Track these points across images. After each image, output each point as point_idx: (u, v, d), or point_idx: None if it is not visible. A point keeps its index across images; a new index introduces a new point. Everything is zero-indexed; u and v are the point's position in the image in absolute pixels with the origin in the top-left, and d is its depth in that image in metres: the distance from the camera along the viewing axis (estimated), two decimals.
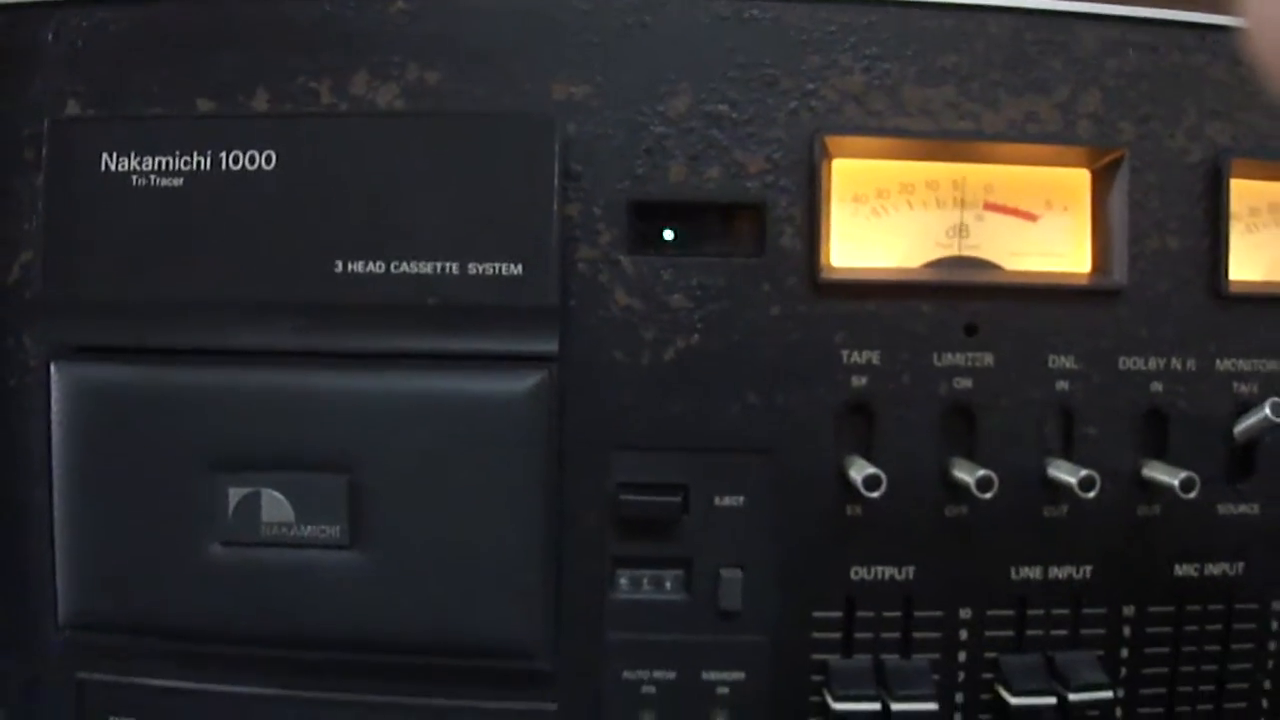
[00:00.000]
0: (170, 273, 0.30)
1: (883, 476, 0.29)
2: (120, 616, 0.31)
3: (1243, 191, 0.35)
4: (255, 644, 0.30)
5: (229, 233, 0.30)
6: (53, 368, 0.30)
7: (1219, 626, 0.34)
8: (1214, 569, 0.33)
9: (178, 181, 0.30)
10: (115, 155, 0.29)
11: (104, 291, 0.30)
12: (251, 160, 0.30)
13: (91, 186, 0.30)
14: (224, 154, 0.30)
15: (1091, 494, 0.30)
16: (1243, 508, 0.34)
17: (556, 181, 0.29)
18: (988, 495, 0.30)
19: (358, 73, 0.31)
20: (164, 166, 0.30)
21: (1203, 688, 0.34)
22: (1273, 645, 0.34)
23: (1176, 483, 0.31)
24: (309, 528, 0.30)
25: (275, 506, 0.30)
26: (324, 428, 0.30)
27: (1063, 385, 0.32)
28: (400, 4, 0.31)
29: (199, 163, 0.30)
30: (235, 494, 0.30)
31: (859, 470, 0.30)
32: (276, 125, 0.30)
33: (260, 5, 0.31)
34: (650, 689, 0.31)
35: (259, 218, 0.30)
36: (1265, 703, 0.35)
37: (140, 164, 0.30)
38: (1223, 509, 0.33)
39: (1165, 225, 0.33)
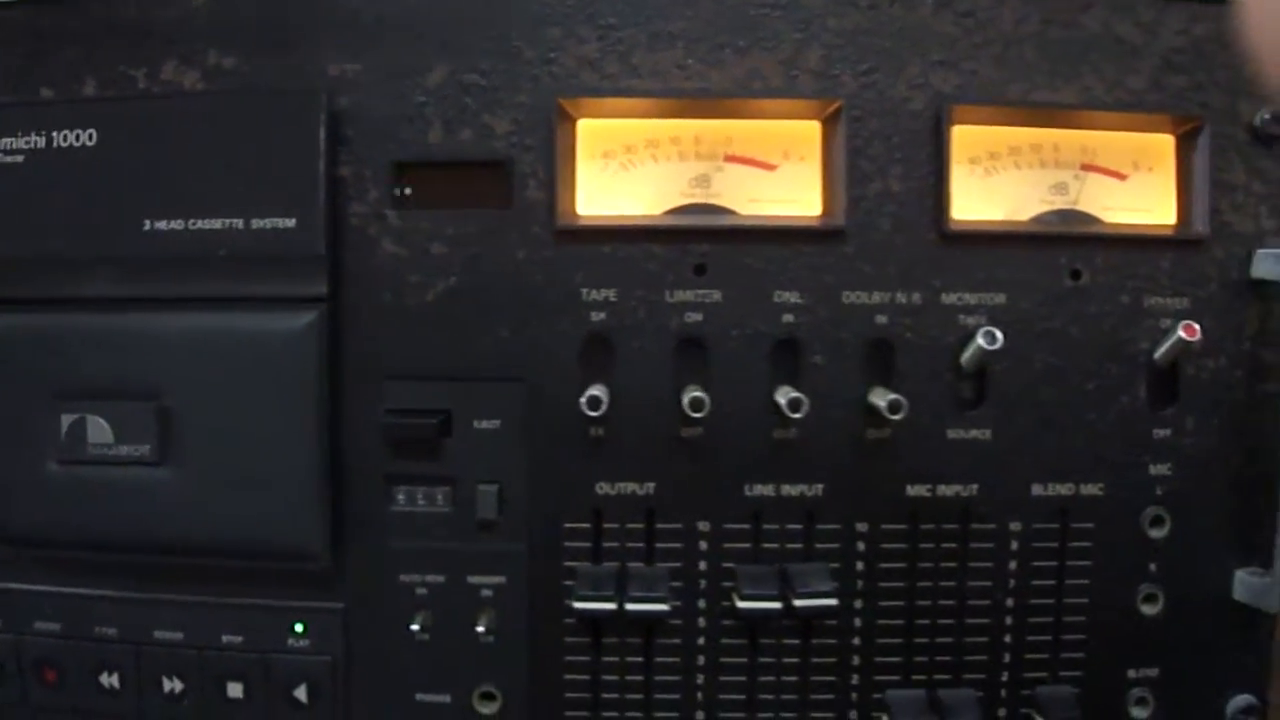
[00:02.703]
0: (13, 235, 0.38)
1: (603, 398, 0.36)
2: None
3: (981, 137, 0.40)
4: (87, 549, 0.38)
5: (60, 200, 0.38)
6: None
7: (955, 545, 0.39)
8: (947, 490, 0.39)
9: (20, 159, 0.38)
10: None
11: None
12: (78, 138, 0.38)
13: None
14: (55, 134, 0.38)
15: (798, 415, 0.36)
16: (973, 433, 0.39)
17: (322, 147, 0.36)
18: (698, 415, 0.36)
19: (168, 61, 0.38)
20: (9, 146, 0.38)
21: (943, 602, 0.39)
22: (1012, 564, 0.39)
23: (884, 404, 0.36)
24: (125, 448, 0.38)
25: (98, 430, 0.38)
26: (137, 362, 0.37)
27: (789, 318, 0.37)
28: (200, 0, 0.39)
29: (36, 142, 0.38)
30: (66, 419, 0.38)
31: (591, 397, 0.36)
32: (97, 108, 0.38)
33: (91, 7, 0.39)
34: (423, 590, 0.38)
35: (83, 186, 0.38)
36: (1009, 619, 0.40)
37: None
38: (952, 434, 0.38)
39: (888, 170, 0.38)
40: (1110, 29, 0.39)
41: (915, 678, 0.39)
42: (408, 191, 0.37)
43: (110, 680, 0.40)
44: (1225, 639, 0.40)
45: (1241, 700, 0.41)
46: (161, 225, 0.37)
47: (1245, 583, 0.40)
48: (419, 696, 0.39)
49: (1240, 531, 0.40)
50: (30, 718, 0.41)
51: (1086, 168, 0.40)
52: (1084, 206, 0.40)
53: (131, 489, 0.38)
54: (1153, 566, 0.40)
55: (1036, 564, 0.39)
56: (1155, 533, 0.39)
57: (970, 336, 0.37)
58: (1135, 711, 0.40)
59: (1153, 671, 0.40)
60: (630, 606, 0.37)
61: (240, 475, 0.37)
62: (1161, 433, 0.39)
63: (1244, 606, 0.40)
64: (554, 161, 0.37)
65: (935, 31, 0.38)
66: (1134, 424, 0.39)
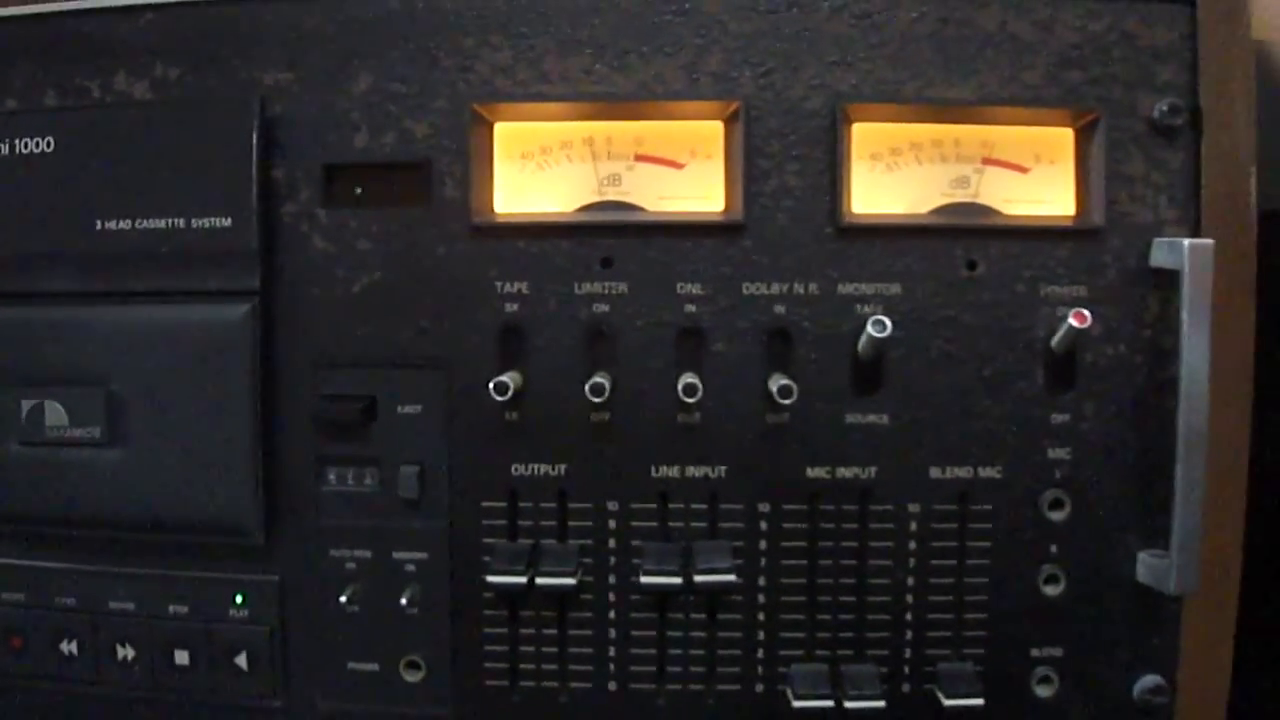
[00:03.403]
0: None
1: (510, 383, 0.39)
2: None
3: (883, 134, 0.42)
4: (46, 525, 0.42)
5: (20, 202, 0.42)
6: None
7: (855, 525, 0.41)
8: (846, 472, 0.41)
9: None
10: None
11: None
12: (37, 145, 0.42)
13: None
14: (16, 141, 0.43)
15: (693, 399, 0.39)
16: (871, 417, 0.41)
17: (255, 151, 0.40)
18: (599, 400, 0.38)
19: (118, 73, 0.43)
20: None
21: (844, 581, 0.42)
22: (912, 545, 0.42)
23: (775, 389, 0.39)
24: (79, 430, 0.42)
25: (55, 413, 0.42)
26: (88, 350, 0.41)
27: (691, 309, 0.40)
28: (148, 15, 0.43)
29: (1, 149, 0.43)
30: (26, 404, 0.42)
31: (500, 384, 0.39)
32: (54, 118, 0.42)
33: (49, 24, 0.43)
34: (352, 565, 0.42)
35: (41, 189, 0.42)
36: (910, 598, 0.42)
37: None
38: (850, 418, 0.41)
39: (785, 166, 0.40)
40: (1006, 27, 0.41)
41: (819, 653, 0.41)
42: (335, 191, 0.41)
43: (70, 647, 0.44)
44: (1131, 620, 0.42)
45: (1149, 681, 0.43)
46: (112, 225, 0.41)
47: (1147, 564, 0.42)
48: (350, 665, 0.42)
49: (1142, 514, 0.41)
50: None
51: (987, 161, 0.42)
52: (984, 199, 0.42)
53: (85, 468, 0.42)
54: (1054, 548, 0.42)
55: (936, 545, 0.41)
56: (1055, 515, 0.42)
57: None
58: (1040, 690, 0.43)
59: (1057, 651, 0.42)
60: (541, 580, 0.40)
61: (182, 456, 0.41)
62: (1060, 418, 0.41)
63: (1149, 588, 0.42)
64: (469, 162, 0.40)
65: (832, 33, 0.40)
66: (1031, 409, 0.41)
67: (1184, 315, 0.39)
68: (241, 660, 0.43)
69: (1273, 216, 0.54)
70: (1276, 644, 0.48)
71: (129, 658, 0.44)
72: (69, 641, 0.44)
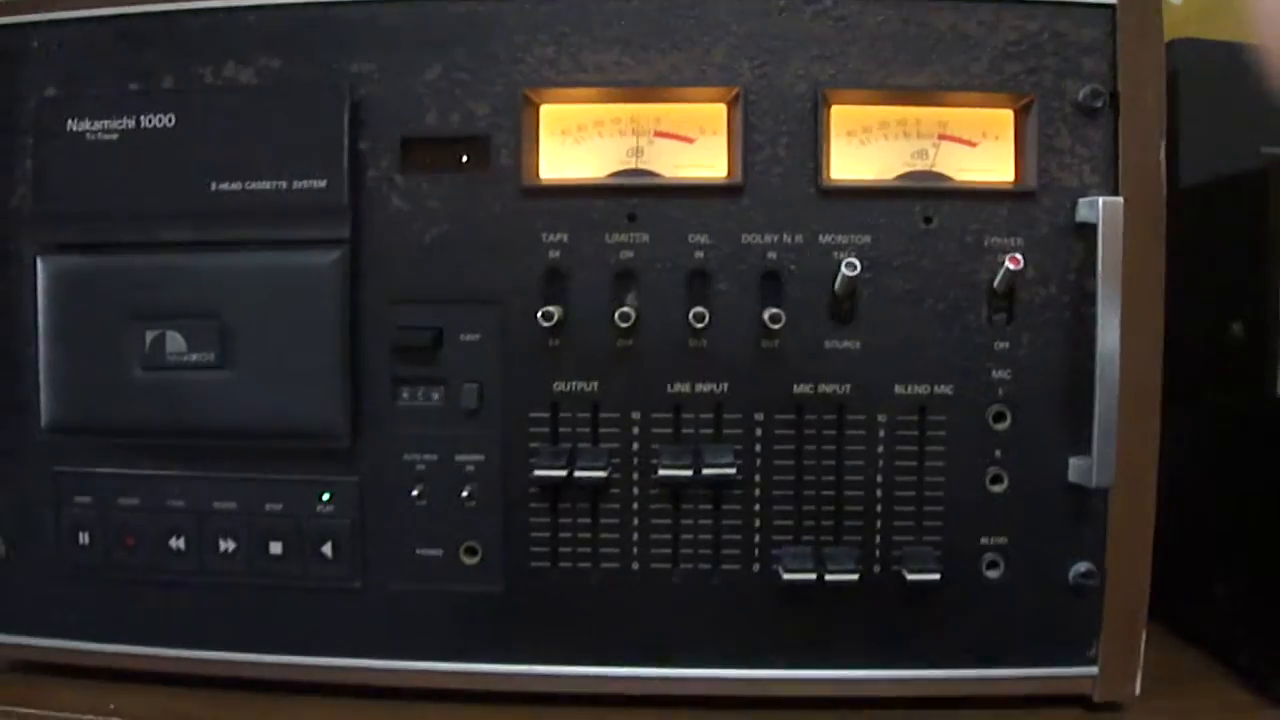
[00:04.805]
0: (110, 195, 0.53)
1: (555, 313, 0.50)
2: (80, 421, 0.54)
3: (856, 114, 0.53)
4: (164, 436, 0.53)
5: (146, 168, 0.53)
6: (39, 260, 0.54)
7: (833, 433, 0.53)
8: (826, 389, 0.52)
9: (115, 136, 0.54)
10: (76, 121, 0.53)
11: (69, 208, 0.53)
12: (159, 121, 0.53)
13: (62, 142, 0.54)
14: (143, 117, 0.54)
15: (702, 326, 0.50)
16: (846, 344, 0.52)
17: (346, 127, 0.51)
18: (625, 326, 0.50)
19: (227, 63, 0.54)
20: (107, 127, 0.54)
21: (825, 479, 0.53)
22: (880, 449, 0.53)
23: (768, 317, 0.50)
24: (196, 355, 0.52)
25: (175, 342, 0.52)
26: (206, 290, 0.52)
27: (699, 255, 0.52)
28: (251, 17, 0.54)
29: (127, 124, 0.54)
30: (150, 334, 0.52)
31: (546, 312, 0.51)
32: (174, 97, 0.53)
33: (168, 20, 0.54)
34: (422, 466, 0.53)
35: (164, 157, 0.53)
36: (879, 493, 0.53)
37: (91, 126, 0.53)
38: (829, 344, 0.52)
39: (777, 140, 0.52)
40: (957, 27, 0.52)
41: (804, 538, 0.52)
42: (411, 160, 0.52)
43: (178, 543, 0.55)
44: (1064, 515, 0.53)
45: (1081, 566, 0.53)
46: (224, 186, 0.52)
47: (1075, 466, 0.52)
48: (418, 551, 0.53)
49: (1070, 425, 0.52)
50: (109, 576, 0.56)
51: (942, 137, 0.53)
52: (940, 168, 0.53)
53: (200, 388, 0.52)
54: (998, 453, 0.52)
55: (901, 449, 0.52)
56: (999, 426, 0.52)
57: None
58: (989, 573, 0.53)
59: (1002, 540, 0.53)
60: (578, 473, 0.51)
61: (283, 376, 0.52)
62: (1001, 345, 0.52)
63: (1077, 487, 0.53)
64: (520, 137, 0.52)
65: (814, 32, 0.52)
66: (978, 338, 0.52)
67: (1100, 260, 0.51)
68: (327, 549, 0.54)
69: (1192, 190, 0.66)
70: (1191, 536, 0.59)
71: (229, 550, 0.54)
72: (177, 538, 0.55)
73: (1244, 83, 0.54)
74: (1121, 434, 0.50)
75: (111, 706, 0.54)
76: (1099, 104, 0.52)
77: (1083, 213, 0.52)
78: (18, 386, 0.55)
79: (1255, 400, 0.54)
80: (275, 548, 0.54)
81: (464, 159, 0.52)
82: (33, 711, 0.54)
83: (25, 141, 0.54)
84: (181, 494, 0.54)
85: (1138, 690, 0.53)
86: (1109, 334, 0.50)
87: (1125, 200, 0.50)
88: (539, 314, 0.50)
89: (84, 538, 0.55)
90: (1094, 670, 0.53)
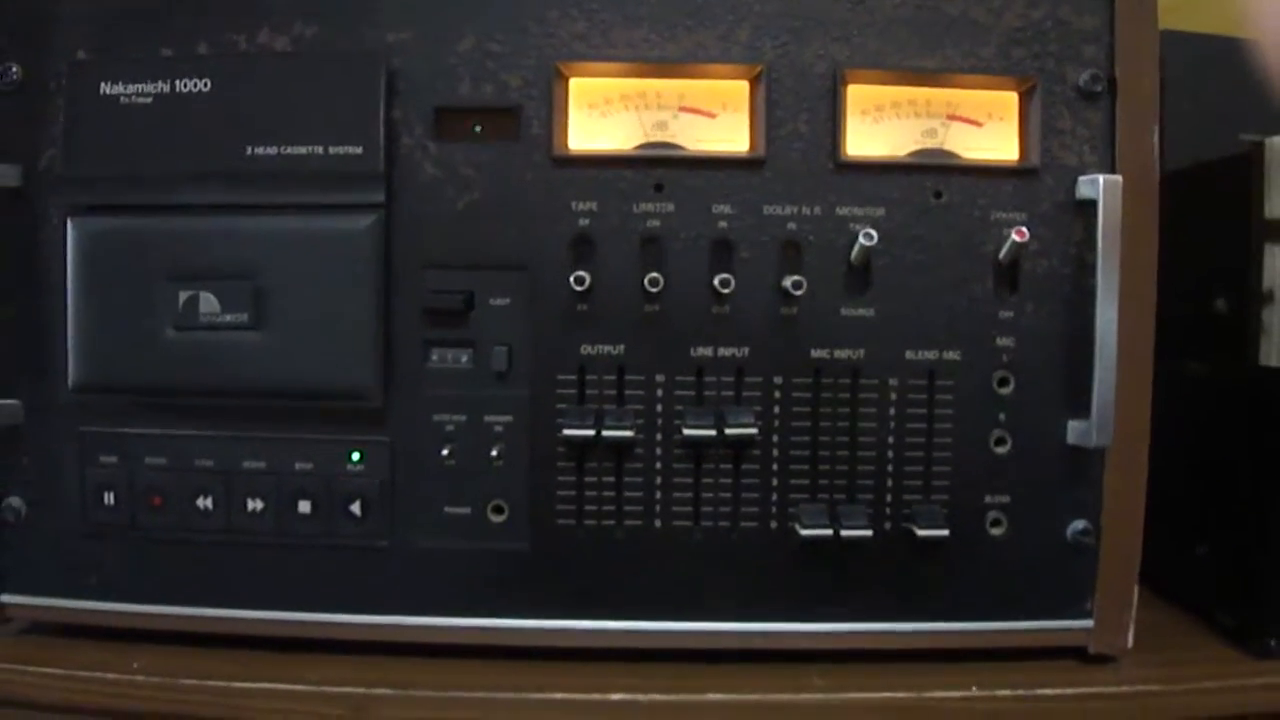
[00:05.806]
0: (143, 158, 0.55)
1: (587, 277, 0.53)
2: (109, 382, 0.56)
3: (871, 94, 0.58)
4: (196, 395, 0.55)
5: (180, 132, 0.55)
6: (69, 221, 0.56)
7: (848, 396, 0.57)
8: (841, 354, 0.56)
9: (148, 100, 0.56)
10: (109, 84, 0.55)
11: (101, 171, 0.55)
12: (194, 86, 0.56)
13: (94, 105, 0.56)
14: (178, 81, 0.56)
15: (725, 292, 0.54)
16: (861, 311, 0.56)
17: (382, 95, 0.54)
18: (655, 291, 0.53)
19: (262, 29, 0.56)
20: (140, 91, 0.56)
21: (840, 439, 0.57)
22: (892, 411, 0.57)
23: (789, 284, 0.54)
24: (229, 315, 0.55)
25: (208, 302, 0.55)
26: (240, 252, 0.54)
27: (723, 224, 0.55)
28: None
29: (161, 88, 0.56)
30: (183, 295, 0.55)
31: (577, 277, 0.54)
32: (210, 63, 0.55)
33: None
34: (451, 427, 0.56)
35: (199, 121, 0.55)
36: (890, 453, 0.57)
37: (125, 89, 0.55)
38: (845, 311, 0.56)
39: (798, 117, 0.56)
40: (967, 13, 0.57)
41: (820, 496, 0.56)
42: (444, 128, 0.55)
43: (206, 503, 0.57)
44: (1063, 476, 0.57)
45: (1078, 524, 0.58)
46: (260, 151, 0.55)
47: (1073, 428, 0.57)
48: (446, 509, 0.56)
49: (1070, 390, 0.57)
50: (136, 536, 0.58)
51: (951, 117, 0.58)
52: (949, 146, 0.58)
53: (233, 348, 0.55)
54: (1002, 416, 0.57)
55: (911, 411, 0.56)
56: (1003, 390, 0.57)
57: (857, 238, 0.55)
58: (993, 530, 0.58)
59: (1005, 499, 0.57)
60: (605, 433, 0.54)
61: (317, 337, 0.54)
62: (1006, 314, 0.57)
63: (1076, 449, 0.57)
64: (551, 108, 0.55)
65: (834, 15, 0.56)
66: (984, 307, 0.56)
67: (1100, 235, 0.55)
68: (355, 508, 0.56)
69: (1175, 174, 0.71)
70: (1174, 500, 0.64)
71: (258, 509, 0.57)
72: (205, 498, 0.57)
73: (1224, 74, 0.59)
74: (1116, 398, 0.55)
75: (135, 665, 0.56)
76: (1098, 88, 0.57)
77: (1083, 190, 0.56)
78: (40, 348, 0.57)
79: (1237, 370, 0.60)
80: (304, 506, 0.56)
81: (497, 128, 0.55)
82: (55, 671, 0.56)
83: (56, 104, 0.56)
84: (210, 454, 0.57)
85: (1130, 643, 0.58)
86: (1108, 303, 0.55)
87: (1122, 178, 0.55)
88: (571, 278, 0.53)
89: (109, 498, 0.57)
90: (1089, 623, 0.57)
